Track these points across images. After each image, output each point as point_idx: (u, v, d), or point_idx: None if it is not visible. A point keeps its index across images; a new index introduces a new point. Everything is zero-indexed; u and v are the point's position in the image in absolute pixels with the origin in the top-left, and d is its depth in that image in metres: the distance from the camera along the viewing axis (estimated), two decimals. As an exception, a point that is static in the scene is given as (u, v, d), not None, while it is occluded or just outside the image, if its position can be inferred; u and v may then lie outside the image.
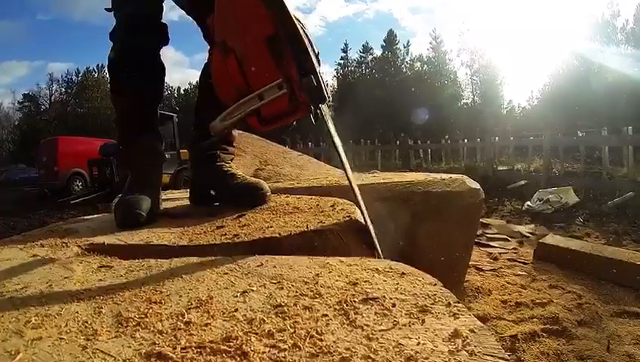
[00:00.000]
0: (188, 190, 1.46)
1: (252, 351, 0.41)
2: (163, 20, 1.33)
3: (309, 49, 0.83)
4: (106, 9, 1.29)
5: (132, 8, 1.24)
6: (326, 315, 0.49)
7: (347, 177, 0.96)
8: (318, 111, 0.84)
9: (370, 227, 0.94)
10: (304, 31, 0.87)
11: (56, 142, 12.82)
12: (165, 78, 1.41)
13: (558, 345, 1.51)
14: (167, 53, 1.49)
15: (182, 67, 69.02)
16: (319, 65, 0.91)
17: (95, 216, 1.50)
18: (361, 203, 0.95)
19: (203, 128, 1.36)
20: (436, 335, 0.43)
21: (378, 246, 0.91)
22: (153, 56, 1.32)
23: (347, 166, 0.95)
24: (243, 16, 0.85)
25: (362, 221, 0.99)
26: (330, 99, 0.86)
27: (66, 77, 43.03)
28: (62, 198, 9.45)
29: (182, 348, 0.42)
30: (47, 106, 41.92)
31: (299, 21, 0.87)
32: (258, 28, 0.83)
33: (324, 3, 72.95)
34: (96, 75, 41.99)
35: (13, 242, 0.99)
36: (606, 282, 2.11)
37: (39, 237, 1.02)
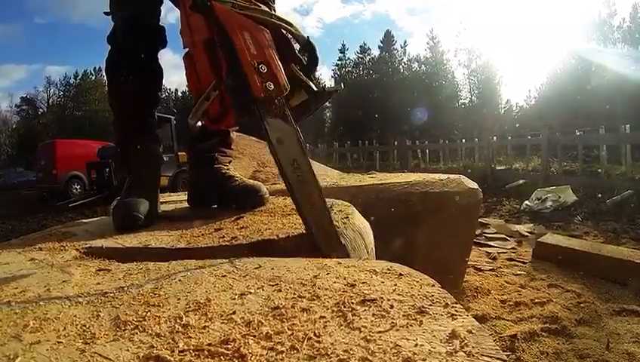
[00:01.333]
0: (186, 192, 1.46)
1: (250, 353, 0.41)
2: (161, 23, 1.33)
3: (253, 48, 0.79)
4: (104, 13, 1.29)
5: (130, 12, 1.24)
6: (324, 317, 0.49)
7: (288, 187, 0.83)
8: (256, 112, 0.78)
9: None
10: (276, 22, 0.86)
11: (54, 145, 12.81)
12: (163, 80, 1.41)
13: (558, 344, 1.51)
14: (165, 56, 1.51)
15: (180, 69, 68.06)
16: (312, 60, 0.89)
17: (93, 219, 1.50)
18: (307, 211, 0.84)
19: (201, 130, 1.37)
20: (434, 336, 0.43)
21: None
22: (151, 58, 1.32)
23: (291, 178, 0.82)
24: (189, 23, 0.90)
25: (361, 223, 0.99)
26: (285, 91, 0.81)
27: (63, 80, 43.01)
28: (60, 201, 9.43)
29: (180, 351, 0.42)
30: (45, 109, 41.84)
31: (257, 14, 0.84)
32: (198, 32, 0.87)
33: (321, 5, 72.86)
34: (94, 78, 41.90)
35: (11, 246, 0.99)
36: (605, 280, 2.11)
37: (37, 240, 1.01)
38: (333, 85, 1.00)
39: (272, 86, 0.78)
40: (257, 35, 0.81)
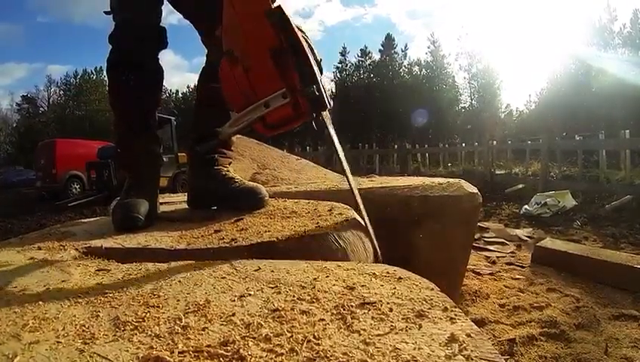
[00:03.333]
0: (186, 193, 1.46)
1: (249, 355, 0.41)
2: (162, 24, 1.33)
3: (311, 58, 0.88)
4: (105, 12, 1.29)
5: (131, 12, 1.25)
6: (323, 320, 0.49)
7: (348, 181, 1.03)
8: (320, 118, 0.89)
9: (371, 231, 0.97)
10: (306, 40, 0.91)
11: (54, 144, 12.81)
12: (164, 81, 1.41)
13: (556, 348, 1.51)
14: (166, 57, 1.51)
15: (181, 70, 69.24)
16: (321, 72, 0.95)
17: (93, 218, 1.50)
18: (362, 206, 0.99)
19: (201, 132, 1.37)
20: (433, 339, 0.44)
21: (378, 249, 0.93)
22: (152, 59, 1.33)
23: (348, 170, 1.01)
24: (249, 29, 0.89)
25: (362, 224, 1.00)
26: (331, 105, 0.91)
27: (64, 79, 43.08)
28: (59, 201, 9.43)
29: (179, 352, 0.42)
30: (46, 108, 41.89)
31: (301, 30, 0.91)
32: (263, 40, 0.87)
33: (322, 8, 73.05)
34: (94, 78, 41.95)
35: (10, 244, 0.99)
36: (604, 285, 2.11)
37: (37, 239, 1.01)
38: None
39: (329, 100, 0.90)
40: (310, 52, 0.90)
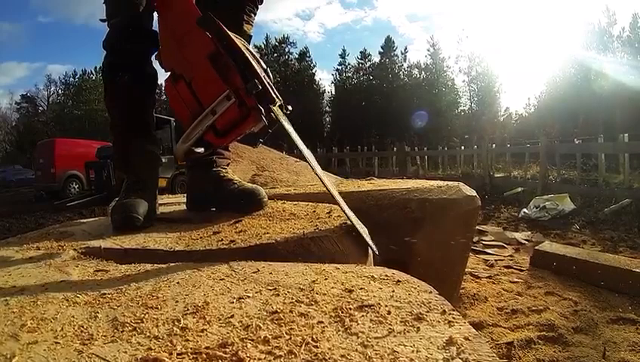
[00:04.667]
0: (184, 195, 1.46)
1: (248, 357, 0.41)
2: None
3: (253, 60, 0.89)
4: (100, 20, 1.31)
5: (125, 18, 1.27)
6: (322, 322, 0.49)
7: (316, 174, 1.02)
8: (272, 114, 0.90)
9: (360, 226, 0.96)
10: (246, 47, 0.94)
11: (53, 144, 12.80)
12: (158, 82, 1.42)
13: (554, 351, 1.51)
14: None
15: (181, 71, 68.96)
16: (269, 77, 0.96)
17: (91, 219, 1.49)
18: (338, 196, 0.99)
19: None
20: (431, 342, 0.44)
21: (372, 244, 0.93)
22: (145, 62, 1.34)
23: (313, 163, 1.01)
24: (184, 42, 0.92)
25: (361, 226, 1.00)
26: (281, 101, 0.93)
27: (64, 79, 43.05)
28: (58, 201, 9.41)
29: (178, 354, 0.42)
30: (45, 108, 41.84)
31: (240, 39, 0.93)
32: (199, 48, 0.89)
33: (323, 10, 72.66)
34: (94, 78, 41.89)
35: (9, 244, 0.99)
36: (602, 289, 2.12)
37: (35, 239, 1.01)
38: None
39: (278, 94, 0.90)
40: (255, 60, 0.91)
